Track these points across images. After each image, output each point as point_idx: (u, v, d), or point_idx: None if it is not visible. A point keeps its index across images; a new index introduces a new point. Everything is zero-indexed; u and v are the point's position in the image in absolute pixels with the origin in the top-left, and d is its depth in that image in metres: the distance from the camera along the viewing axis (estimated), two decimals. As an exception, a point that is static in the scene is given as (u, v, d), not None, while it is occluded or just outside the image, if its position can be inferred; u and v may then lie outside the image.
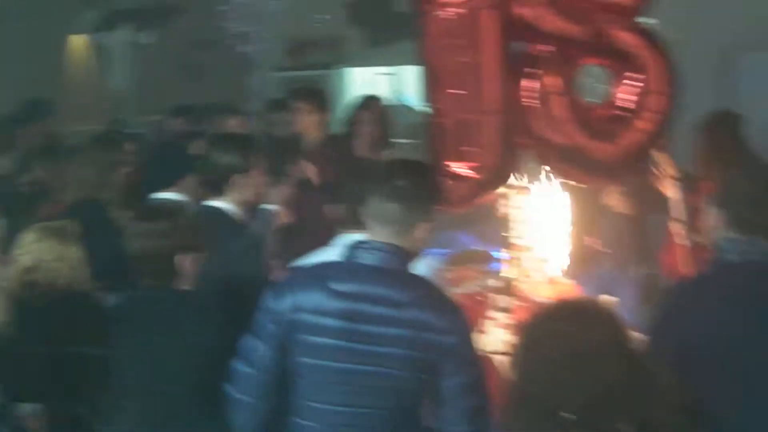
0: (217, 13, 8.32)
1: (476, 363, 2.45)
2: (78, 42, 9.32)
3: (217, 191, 3.36)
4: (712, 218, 2.42)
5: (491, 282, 3.68)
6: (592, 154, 3.39)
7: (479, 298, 3.59)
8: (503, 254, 3.82)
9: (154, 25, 8.78)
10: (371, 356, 2.36)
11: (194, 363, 2.66)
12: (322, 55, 7.21)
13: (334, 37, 7.66)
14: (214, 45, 8.26)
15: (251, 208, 3.48)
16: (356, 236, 2.64)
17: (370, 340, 2.35)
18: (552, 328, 1.83)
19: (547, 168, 3.52)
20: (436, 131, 3.51)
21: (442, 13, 3.40)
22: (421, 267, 2.77)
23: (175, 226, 2.77)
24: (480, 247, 4.42)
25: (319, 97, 5.17)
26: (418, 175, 2.53)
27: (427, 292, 2.46)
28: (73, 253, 3.10)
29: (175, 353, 2.67)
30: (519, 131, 3.43)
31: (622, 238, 4.36)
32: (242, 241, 3.28)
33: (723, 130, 4.76)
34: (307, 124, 5.04)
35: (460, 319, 2.44)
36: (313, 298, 2.40)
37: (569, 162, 3.44)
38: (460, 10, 3.36)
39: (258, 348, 2.46)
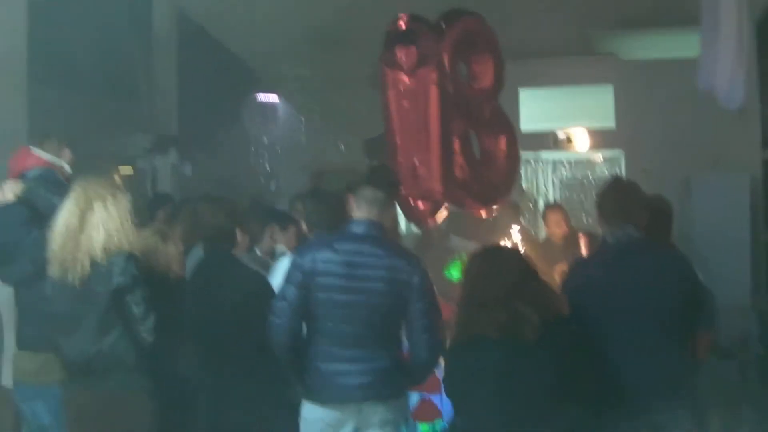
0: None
1: (432, 293, 3.51)
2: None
3: None
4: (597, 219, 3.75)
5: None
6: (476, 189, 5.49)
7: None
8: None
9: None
10: (363, 291, 3.41)
11: None
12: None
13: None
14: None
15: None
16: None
17: (362, 279, 3.41)
18: (485, 253, 3.24)
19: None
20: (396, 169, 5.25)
21: (399, 79, 5.18)
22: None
23: None
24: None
25: None
26: (388, 176, 4.12)
27: (397, 247, 3.62)
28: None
29: None
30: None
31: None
32: None
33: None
34: None
35: (420, 265, 3.52)
36: (325, 254, 3.46)
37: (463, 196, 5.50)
38: (411, 84, 5.19)
39: (290, 289, 3.49)
